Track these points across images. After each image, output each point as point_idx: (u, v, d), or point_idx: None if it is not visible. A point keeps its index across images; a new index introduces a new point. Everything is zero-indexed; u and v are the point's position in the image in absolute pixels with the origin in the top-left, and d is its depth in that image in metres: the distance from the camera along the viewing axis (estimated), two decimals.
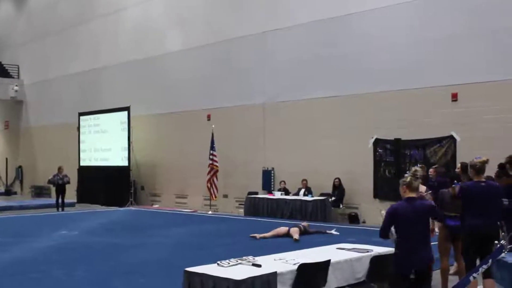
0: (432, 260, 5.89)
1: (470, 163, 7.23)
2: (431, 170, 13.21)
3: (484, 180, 7.19)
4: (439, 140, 15.33)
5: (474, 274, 6.24)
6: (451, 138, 15.07)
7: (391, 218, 5.78)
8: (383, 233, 5.87)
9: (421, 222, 5.78)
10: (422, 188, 8.55)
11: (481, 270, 6.22)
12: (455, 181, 7.98)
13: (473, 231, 7.00)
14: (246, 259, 6.45)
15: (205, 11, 22.26)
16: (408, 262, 5.69)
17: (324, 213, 17.09)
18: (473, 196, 7.06)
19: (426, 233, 5.84)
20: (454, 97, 15.24)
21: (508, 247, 6.23)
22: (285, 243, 11.95)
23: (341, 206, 17.47)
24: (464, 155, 12.90)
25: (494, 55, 14.66)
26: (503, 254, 6.54)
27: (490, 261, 6.21)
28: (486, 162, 7.20)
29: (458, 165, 13.24)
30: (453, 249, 8.09)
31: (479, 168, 7.14)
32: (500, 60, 14.53)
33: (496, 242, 6.28)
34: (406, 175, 5.98)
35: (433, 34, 15.66)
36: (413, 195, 5.80)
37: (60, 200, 21.69)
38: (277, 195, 18.38)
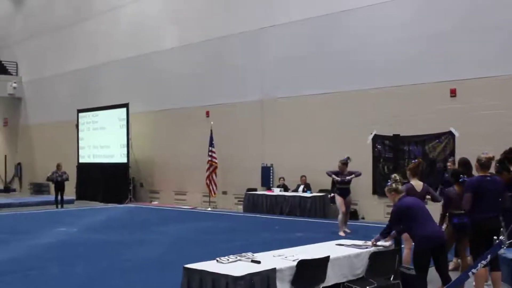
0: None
1: (477, 158, 7.32)
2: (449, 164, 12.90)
3: (489, 174, 7.27)
4: (437, 136, 15.34)
5: (473, 270, 6.23)
6: (450, 134, 15.08)
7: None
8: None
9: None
10: (419, 183, 8.57)
11: (480, 266, 6.21)
12: (461, 175, 8.00)
13: (482, 226, 7.07)
14: (245, 256, 6.45)
15: (202, 7, 22.24)
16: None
17: (323, 209, 17.13)
18: (479, 190, 7.13)
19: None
20: (453, 93, 15.24)
21: (507, 242, 6.22)
22: (284, 240, 11.95)
23: None
24: (463, 151, 12.89)
25: (492, 51, 14.64)
26: (502, 250, 6.53)
27: (489, 256, 6.20)
28: (492, 158, 7.34)
29: (450, 158, 13.29)
30: (455, 245, 8.24)
31: (484, 163, 7.23)
32: (499, 56, 14.52)
33: (495, 237, 6.27)
34: (388, 183, 7.23)
35: (431, 30, 15.66)
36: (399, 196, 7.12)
37: (59, 197, 21.67)
38: (276, 191, 18.40)
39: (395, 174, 7.43)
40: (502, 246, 6.20)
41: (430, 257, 6.82)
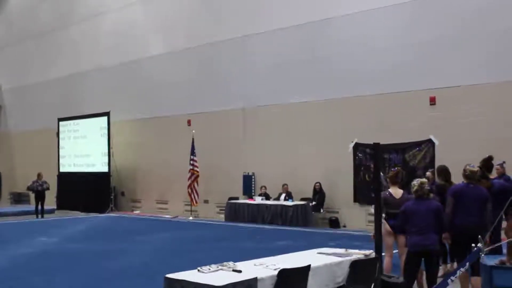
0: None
1: (463, 168, 7.63)
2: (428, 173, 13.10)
3: (472, 183, 7.53)
4: (418, 144, 15.45)
5: (452, 277, 6.29)
6: (430, 142, 15.19)
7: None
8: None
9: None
10: (399, 191, 8.65)
11: (458, 273, 6.27)
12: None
13: (461, 231, 7.29)
14: (226, 265, 6.45)
15: (186, 15, 22.24)
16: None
17: (305, 217, 17.16)
18: (460, 196, 7.42)
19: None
20: (432, 101, 15.40)
21: (485, 250, 6.29)
22: (266, 249, 11.98)
23: (321, 210, 17.52)
24: (443, 158, 13.03)
25: (471, 59, 14.82)
26: (481, 257, 6.60)
27: (467, 264, 6.27)
28: (475, 172, 7.60)
29: (431, 169, 13.45)
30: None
31: (468, 175, 7.55)
32: (477, 64, 14.70)
33: (473, 245, 6.34)
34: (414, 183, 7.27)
35: (411, 39, 15.82)
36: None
37: (39, 207, 21.50)
38: (258, 200, 18.40)
39: (422, 181, 7.34)
40: (481, 253, 6.27)
41: (416, 263, 7.07)
